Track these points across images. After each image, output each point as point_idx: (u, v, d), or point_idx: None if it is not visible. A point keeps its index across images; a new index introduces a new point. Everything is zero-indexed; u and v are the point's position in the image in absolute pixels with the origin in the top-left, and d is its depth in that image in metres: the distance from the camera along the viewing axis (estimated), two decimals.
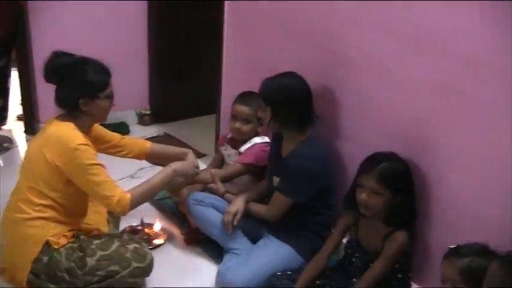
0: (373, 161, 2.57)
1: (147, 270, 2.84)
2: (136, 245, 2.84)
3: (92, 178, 2.63)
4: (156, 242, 3.24)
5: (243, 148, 3.27)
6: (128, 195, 2.68)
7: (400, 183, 2.56)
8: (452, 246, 2.24)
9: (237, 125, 3.24)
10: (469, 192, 2.49)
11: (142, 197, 2.79)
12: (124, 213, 2.75)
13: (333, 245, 2.80)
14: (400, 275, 2.66)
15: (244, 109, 3.21)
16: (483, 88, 2.33)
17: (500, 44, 2.22)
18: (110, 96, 2.75)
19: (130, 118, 4.72)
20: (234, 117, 3.26)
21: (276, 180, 2.96)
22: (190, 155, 3.04)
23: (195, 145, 4.21)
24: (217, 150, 3.51)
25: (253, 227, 3.05)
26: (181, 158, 3.04)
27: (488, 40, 2.27)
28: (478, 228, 2.43)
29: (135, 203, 2.74)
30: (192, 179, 2.99)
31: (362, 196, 2.55)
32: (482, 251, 2.13)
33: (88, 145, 2.65)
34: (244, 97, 3.25)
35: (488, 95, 2.32)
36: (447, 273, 2.20)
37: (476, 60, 2.32)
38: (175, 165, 2.86)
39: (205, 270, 3.04)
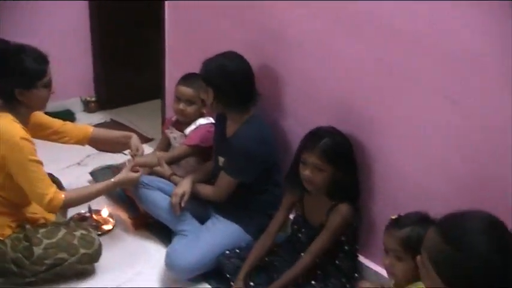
0: (314, 137, 2.60)
1: (96, 256, 2.85)
2: (84, 232, 2.84)
3: (29, 174, 2.61)
4: (105, 227, 3.23)
5: (188, 130, 3.27)
6: (61, 196, 2.68)
7: (342, 158, 2.61)
8: (393, 217, 2.29)
9: (181, 106, 3.23)
10: (411, 164, 2.55)
11: (76, 202, 2.82)
12: (53, 213, 2.83)
13: (279, 223, 2.84)
14: (346, 247, 2.72)
15: (187, 90, 3.21)
16: (419, 64, 2.38)
17: (436, 20, 2.28)
18: (48, 85, 2.71)
19: (75, 106, 4.65)
20: (178, 98, 3.25)
21: (221, 160, 2.98)
22: (134, 138, 3.04)
23: (142, 130, 4.20)
24: (163, 134, 3.50)
25: (200, 208, 3.06)
26: (124, 141, 3.05)
27: (424, 18, 2.32)
28: (420, 199, 2.50)
29: (67, 205, 2.79)
30: (135, 182, 2.98)
31: (306, 172, 2.59)
32: (422, 220, 2.17)
33: (28, 140, 2.62)
34: (186, 79, 3.24)
35: (424, 70, 2.37)
36: (388, 244, 2.24)
37: (414, 38, 2.37)
38: (116, 178, 2.88)
39: (155, 253, 3.05)
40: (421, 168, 2.50)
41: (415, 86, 2.42)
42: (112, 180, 2.88)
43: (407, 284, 2.24)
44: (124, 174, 2.90)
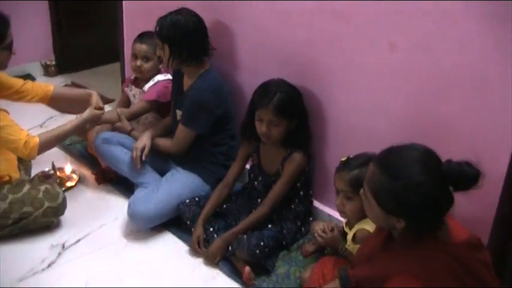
0: (267, 93, 2.70)
1: (60, 209, 2.94)
2: (48, 186, 2.92)
3: None
4: (69, 184, 3.32)
5: (146, 86, 3.35)
6: (36, 138, 2.75)
7: (295, 110, 2.74)
8: (343, 159, 2.43)
9: (138, 63, 3.31)
10: (357, 110, 2.70)
11: (51, 141, 2.87)
12: (33, 157, 2.83)
13: (236, 172, 2.98)
14: (301, 193, 2.88)
15: (142, 47, 3.28)
16: (363, 11, 2.51)
17: None
18: (9, 48, 2.78)
19: (35, 70, 4.69)
20: (135, 56, 3.33)
21: (179, 114, 3.08)
22: (94, 95, 3.10)
23: (102, 92, 4.24)
24: (122, 92, 3.58)
25: (160, 161, 3.18)
26: (85, 99, 3.11)
27: None
28: (367, 141, 2.64)
29: (43, 147, 2.81)
30: (99, 117, 3.05)
31: (263, 129, 2.71)
32: (369, 160, 2.31)
33: None
34: (142, 36, 3.32)
35: (367, 16, 2.50)
36: (339, 185, 2.39)
37: None
38: (84, 115, 2.95)
39: (117, 206, 3.15)
40: (367, 112, 2.65)
41: (359, 33, 2.56)
42: (81, 115, 2.95)
43: (357, 221, 2.41)
44: (89, 111, 2.97)
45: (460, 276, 1.76)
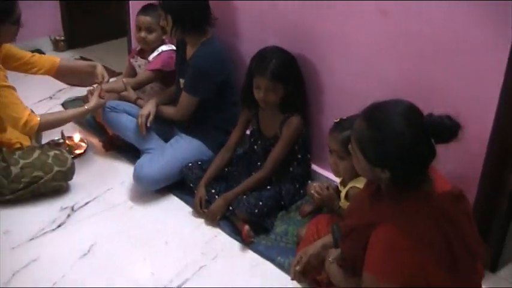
0: (263, 60, 2.82)
1: (69, 173, 3.08)
2: (57, 152, 3.06)
3: (2, 100, 2.82)
4: (77, 151, 3.46)
5: (151, 57, 3.47)
6: (37, 118, 2.89)
7: (290, 75, 2.85)
8: (336, 121, 2.54)
9: (142, 34, 3.43)
10: (351, 75, 2.81)
11: (51, 124, 3.02)
12: (30, 135, 3.04)
13: (237, 137, 3.11)
14: (299, 156, 2.99)
15: (146, 19, 3.40)
16: None
17: None
18: (17, 22, 2.90)
19: (45, 45, 4.82)
20: (139, 28, 3.44)
21: (182, 82, 3.19)
22: (99, 67, 3.24)
23: (110, 65, 4.37)
24: (128, 63, 3.70)
25: (165, 128, 3.30)
26: (89, 70, 3.26)
27: None
28: (360, 104, 2.70)
29: (42, 127, 2.98)
30: (103, 105, 3.22)
31: (260, 95, 2.83)
32: None
33: None
34: (145, 8, 3.44)
35: None
36: (332, 145, 2.50)
37: None
38: (87, 105, 3.10)
39: (124, 171, 3.29)
40: (360, 77, 2.76)
41: (352, 1, 2.66)
42: (84, 106, 3.11)
43: (350, 180, 2.52)
44: (94, 101, 3.11)
45: (442, 224, 1.85)
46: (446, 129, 1.84)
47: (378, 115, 1.91)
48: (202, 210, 2.91)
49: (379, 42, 2.61)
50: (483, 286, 2.50)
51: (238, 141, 3.12)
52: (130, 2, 4.04)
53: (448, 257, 1.87)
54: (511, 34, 2.16)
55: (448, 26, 2.34)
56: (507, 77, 2.21)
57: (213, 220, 2.86)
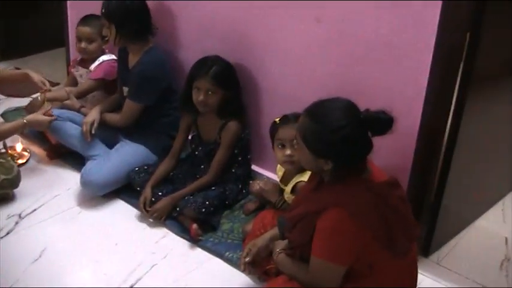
0: (204, 65, 2.98)
1: (16, 180, 3.11)
2: (2, 160, 3.08)
3: None
4: (20, 161, 3.46)
5: (92, 66, 3.54)
6: None
7: (229, 81, 3.01)
8: (277, 119, 2.70)
9: (82, 45, 3.52)
10: (288, 80, 3.00)
11: None
12: None
13: (180, 144, 3.23)
14: (240, 158, 3.15)
15: (86, 29, 3.49)
16: None
17: None
18: None
19: None
20: (79, 38, 3.53)
21: (125, 90, 3.30)
22: (32, 74, 3.30)
23: (48, 76, 4.35)
24: (69, 73, 3.75)
25: (109, 135, 3.37)
26: (22, 78, 3.31)
27: None
28: (299, 109, 2.91)
29: None
30: (46, 126, 3.23)
31: (200, 98, 2.96)
32: None
33: None
34: (85, 19, 3.53)
35: None
36: (287, 137, 2.60)
37: None
38: (27, 118, 3.14)
39: (70, 178, 3.33)
40: (296, 80, 2.97)
41: (289, 9, 2.84)
42: (23, 120, 3.13)
43: (294, 176, 2.68)
44: (35, 116, 3.16)
45: (381, 208, 2.05)
46: (382, 122, 2.04)
47: (319, 110, 2.10)
48: (146, 210, 2.99)
49: (313, 47, 2.83)
50: (418, 270, 2.75)
51: (182, 147, 3.23)
52: (68, 12, 4.10)
53: (387, 239, 2.06)
54: (434, 37, 2.39)
55: (377, 30, 2.56)
56: (432, 76, 2.44)
57: (158, 218, 2.96)
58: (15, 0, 4.75)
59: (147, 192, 3.02)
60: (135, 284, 2.62)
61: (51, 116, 3.20)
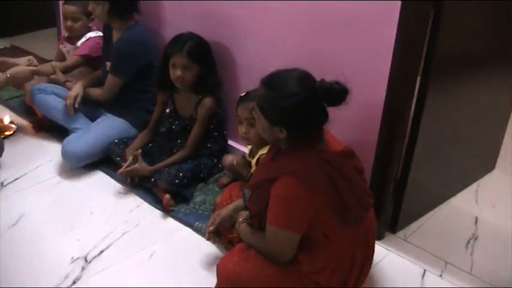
0: (179, 42, 3.04)
1: None
2: None
3: None
4: (7, 133, 3.59)
5: (79, 43, 3.64)
6: None
7: (204, 57, 3.08)
8: (242, 94, 2.76)
9: (69, 23, 3.62)
10: (263, 56, 3.04)
11: None
12: None
13: (157, 117, 3.33)
14: (216, 133, 3.22)
15: (71, 8, 3.59)
16: None
17: None
18: None
19: None
20: (65, 17, 3.63)
21: (108, 65, 3.38)
22: (9, 60, 3.40)
23: (42, 54, 4.50)
24: (58, 49, 3.84)
25: (92, 109, 3.46)
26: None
27: None
28: None
29: None
30: (29, 76, 3.35)
31: (177, 73, 3.03)
32: None
33: None
34: None
35: None
36: (242, 114, 2.72)
37: None
38: (9, 71, 3.24)
39: (53, 149, 3.43)
40: (268, 55, 3.01)
41: None
42: (6, 74, 3.25)
43: (258, 147, 2.75)
44: (16, 68, 3.28)
45: (333, 177, 2.10)
46: (336, 93, 2.09)
47: (275, 79, 2.16)
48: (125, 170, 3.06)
49: (281, 23, 2.88)
50: (383, 245, 2.81)
51: (158, 120, 3.32)
52: None
53: (339, 206, 2.12)
54: (398, 11, 2.43)
55: (342, 5, 2.60)
56: (396, 50, 2.48)
57: (127, 179, 3.07)
58: None
59: (129, 155, 3.10)
60: (105, 249, 2.70)
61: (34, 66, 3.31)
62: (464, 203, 3.21)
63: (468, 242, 2.91)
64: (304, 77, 2.15)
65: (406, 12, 2.40)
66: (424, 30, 2.45)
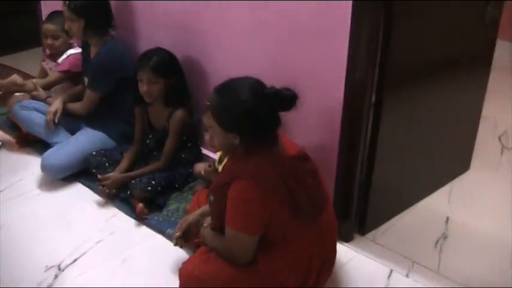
0: (145, 58, 3.14)
1: None
2: None
3: None
4: None
5: (60, 59, 3.76)
6: None
7: (170, 69, 3.16)
8: (207, 103, 2.84)
9: (49, 41, 3.75)
10: (231, 65, 3.12)
11: None
12: None
13: (139, 130, 3.37)
14: (189, 144, 3.31)
15: (50, 26, 3.71)
16: None
17: None
18: None
19: None
20: (45, 35, 3.76)
21: (86, 80, 3.48)
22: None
23: (29, 72, 4.60)
24: (40, 66, 3.96)
25: (72, 123, 3.55)
26: None
27: None
28: None
29: None
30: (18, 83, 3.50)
31: (144, 88, 3.12)
32: None
33: None
34: (50, 16, 3.77)
35: None
36: (207, 122, 2.77)
37: None
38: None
39: (35, 163, 3.49)
40: (235, 64, 3.10)
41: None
42: None
43: (224, 154, 2.82)
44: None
45: (285, 178, 2.18)
46: (285, 98, 2.17)
47: (227, 86, 2.25)
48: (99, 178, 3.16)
49: (246, 33, 2.97)
50: (351, 247, 2.86)
51: (142, 134, 3.36)
52: (42, 11, 4.32)
53: (292, 206, 2.19)
54: (349, 20, 2.51)
55: (301, 14, 2.69)
56: (350, 56, 2.56)
57: (105, 191, 3.13)
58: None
59: (116, 176, 3.16)
60: (79, 257, 2.78)
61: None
62: (437, 204, 3.26)
63: (437, 241, 2.95)
64: (255, 84, 2.23)
65: (357, 21, 2.50)
66: (377, 35, 2.53)
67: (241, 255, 2.25)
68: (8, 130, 3.89)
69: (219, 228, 2.37)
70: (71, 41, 3.77)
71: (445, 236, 2.99)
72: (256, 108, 2.17)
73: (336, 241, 2.51)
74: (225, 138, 2.25)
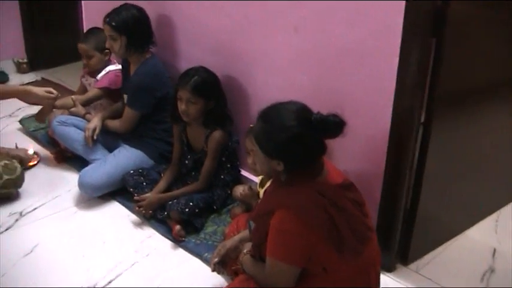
0: (186, 76, 3.09)
1: (18, 181, 3.30)
2: (6, 161, 3.28)
3: None
4: (31, 163, 3.68)
5: (99, 76, 3.74)
6: None
7: (211, 90, 3.11)
8: (251, 125, 2.78)
9: (84, 61, 3.75)
10: (274, 88, 3.07)
11: None
12: None
13: (178, 151, 3.33)
14: (228, 165, 3.25)
15: (83, 46, 3.71)
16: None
17: None
18: None
19: (8, 67, 5.06)
20: (81, 54, 3.75)
21: (125, 97, 3.46)
22: (34, 89, 3.44)
23: (69, 86, 4.63)
24: (80, 82, 3.95)
25: (111, 140, 3.54)
26: (22, 93, 3.47)
27: None
28: None
29: None
30: (43, 99, 3.44)
31: (182, 107, 3.08)
32: None
33: None
34: (85, 35, 3.78)
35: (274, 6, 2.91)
36: (249, 146, 2.73)
37: None
38: (29, 87, 3.39)
39: (72, 180, 3.48)
40: (279, 87, 3.04)
41: (271, 20, 2.94)
42: (25, 87, 3.46)
43: (267, 178, 2.75)
44: (37, 89, 3.40)
45: (327, 209, 2.09)
46: (332, 124, 2.08)
47: (271, 112, 2.17)
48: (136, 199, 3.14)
49: (291, 56, 2.91)
50: (394, 278, 2.77)
51: (180, 154, 3.32)
52: (84, 25, 4.32)
53: (335, 239, 2.10)
54: (399, 45, 2.43)
55: (348, 38, 2.61)
56: (398, 82, 2.47)
57: (143, 212, 3.10)
58: (42, 14, 5.08)
59: (153, 197, 3.13)
60: (114, 279, 2.74)
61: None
62: (483, 234, 3.15)
63: (484, 274, 2.84)
64: (300, 110, 2.15)
65: (407, 44, 2.41)
66: (427, 62, 2.44)
67: (280, 284, 2.17)
68: (46, 145, 3.89)
69: (258, 256, 2.31)
70: (111, 58, 3.75)
71: (492, 270, 2.87)
72: (302, 135, 2.09)
73: (380, 273, 2.42)
74: (267, 164, 2.18)
